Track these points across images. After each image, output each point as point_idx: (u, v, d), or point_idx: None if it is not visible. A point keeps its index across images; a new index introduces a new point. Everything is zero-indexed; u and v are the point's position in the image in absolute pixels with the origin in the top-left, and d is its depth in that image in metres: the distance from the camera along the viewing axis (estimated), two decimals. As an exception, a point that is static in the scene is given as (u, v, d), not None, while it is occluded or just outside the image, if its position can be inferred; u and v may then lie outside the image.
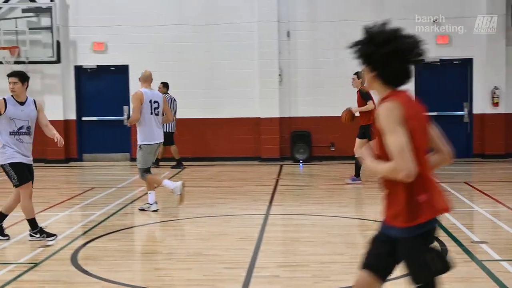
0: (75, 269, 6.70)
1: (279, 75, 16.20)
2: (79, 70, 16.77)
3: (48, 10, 16.07)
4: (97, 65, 16.69)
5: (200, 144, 16.50)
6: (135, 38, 16.40)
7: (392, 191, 3.54)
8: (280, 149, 16.25)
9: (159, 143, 9.81)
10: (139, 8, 16.43)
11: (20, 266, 6.83)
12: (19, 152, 7.80)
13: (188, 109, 16.12)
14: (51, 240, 7.90)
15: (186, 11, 16.39)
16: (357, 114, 12.14)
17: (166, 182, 9.71)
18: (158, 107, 9.71)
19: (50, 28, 16.05)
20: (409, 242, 3.52)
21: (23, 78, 8.00)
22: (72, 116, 16.75)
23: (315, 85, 16.35)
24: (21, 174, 7.79)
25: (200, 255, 7.25)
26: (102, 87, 16.76)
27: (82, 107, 16.88)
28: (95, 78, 16.83)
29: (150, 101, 9.60)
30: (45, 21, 16.23)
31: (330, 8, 16.27)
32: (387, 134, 3.35)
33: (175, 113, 14.97)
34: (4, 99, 7.84)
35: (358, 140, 12.12)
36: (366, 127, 11.84)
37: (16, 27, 16.13)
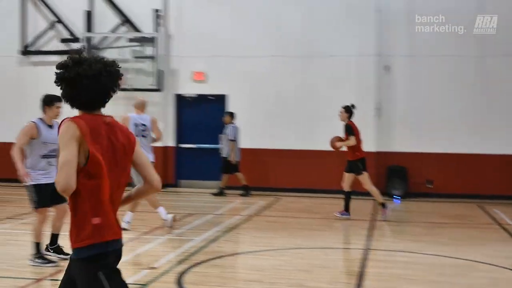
0: (181, 293, 6.84)
1: (377, 109, 16.10)
2: (179, 98, 17.24)
3: (152, 40, 16.68)
4: (197, 94, 17.12)
5: (294, 175, 16.55)
6: (234, 68, 16.74)
7: (71, 211, 3.57)
8: (375, 184, 16.05)
9: None
10: (239, 40, 16.77)
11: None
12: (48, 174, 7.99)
13: (282, 140, 16.28)
14: (50, 266, 7.91)
15: (284, 43, 16.60)
16: (344, 148, 12.31)
17: (161, 210, 10.43)
18: (145, 130, 10.53)
19: (153, 57, 16.63)
20: (77, 263, 3.54)
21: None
22: (171, 143, 17.20)
23: (413, 120, 16.15)
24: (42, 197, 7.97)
25: (302, 286, 7.24)
26: (200, 116, 17.15)
27: (180, 135, 17.32)
28: (194, 106, 17.25)
29: (136, 124, 10.43)
30: (149, 50, 16.84)
31: (428, 43, 16.10)
32: (60, 150, 3.45)
33: (232, 141, 15.55)
34: (36, 122, 8.13)
35: (346, 175, 12.20)
36: (353, 162, 12.04)
37: (121, 56, 16.79)
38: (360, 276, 7.70)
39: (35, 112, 17.28)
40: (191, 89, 17.18)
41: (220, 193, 15.81)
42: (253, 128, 16.58)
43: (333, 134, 16.23)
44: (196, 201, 15.18)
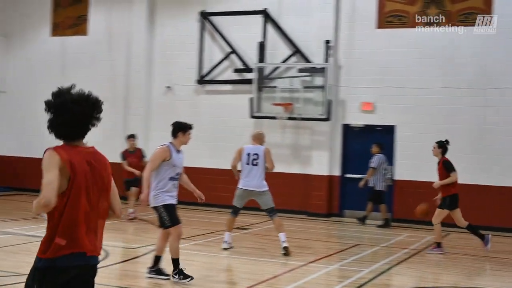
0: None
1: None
2: (346, 128, 17.28)
3: (321, 70, 16.89)
4: (365, 125, 17.07)
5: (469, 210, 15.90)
6: (403, 100, 16.49)
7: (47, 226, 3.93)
8: None
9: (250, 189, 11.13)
10: (409, 70, 16.54)
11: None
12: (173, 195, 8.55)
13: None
14: (188, 281, 8.33)
15: (459, 74, 16.12)
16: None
17: (281, 235, 10.87)
18: (256, 159, 11.11)
19: (322, 87, 16.83)
20: (36, 271, 3.87)
21: None
22: (337, 172, 17.23)
23: None
24: (173, 215, 8.44)
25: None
26: (367, 146, 17.04)
27: (346, 164, 17.31)
28: (361, 136, 17.20)
29: (249, 154, 11.18)
30: (318, 80, 17.05)
31: None
32: (44, 173, 3.81)
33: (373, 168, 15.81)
34: (169, 146, 8.59)
35: (438, 210, 11.88)
36: (447, 198, 11.69)
37: (292, 85, 17.19)
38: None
39: (207, 137, 18.21)
40: (358, 119, 17.16)
41: (386, 224, 15.65)
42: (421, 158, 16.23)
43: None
44: (362, 232, 15.04)
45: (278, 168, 17.43)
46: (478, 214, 15.17)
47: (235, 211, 11.52)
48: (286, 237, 10.93)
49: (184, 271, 8.54)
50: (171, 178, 8.61)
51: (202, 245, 11.80)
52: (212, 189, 18.21)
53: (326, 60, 17.01)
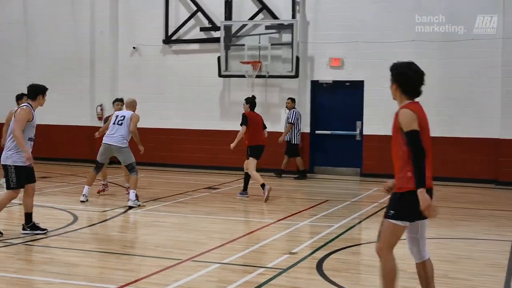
0: (322, 279, 6.81)
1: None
2: (315, 84, 17.20)
3: (289, 27, 16.71)
4: (333, 80, 17.00)
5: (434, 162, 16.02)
6: (372, 55, 16.43)
7: None
8: (521, 173, 15.28)
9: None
10: (376, 25, 16.44)
11: (269, 271, 7.10)
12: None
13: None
14: (43, 233, 8.68)
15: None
16: None
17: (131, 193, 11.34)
18: (123, 119, 11.67)
19: (290, 44, 16.66)
20: None
21: None
22: (306, 129, 17.21)
23: None
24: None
25: (447, 277, 6.99)
26: (336, 102, 17.03)
27: (316, 121, 17.28)
28: (330, 92, 17.15)
29: (117, 116, 11.75)
30: (286, 37, 16.91)
31: None
32: None
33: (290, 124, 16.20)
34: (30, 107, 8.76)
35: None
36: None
37: (259, 43, 17.01)
38: (509, 269, 7.34)
39: (175, 98, 18.05)
40: (327, 76, 17.08)
41: (302, 176, 16.34)
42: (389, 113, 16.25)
43: (475, 122, 15.67)
44: (331, 187, 15.12)
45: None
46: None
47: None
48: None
49: (38, 225, 8.84)
50: (30, 139, 8.69)
51: (172, 206, 11.74)
52: (182, 150, 18.15)
53: (294, 17, 16.85)
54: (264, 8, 17.34)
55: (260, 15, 17.46)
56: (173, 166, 17.95)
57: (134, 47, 18.71)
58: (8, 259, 7.55)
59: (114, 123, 11.69)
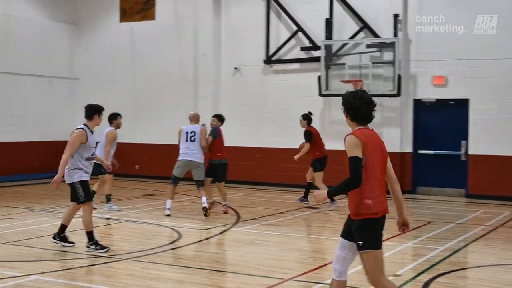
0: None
1: None
2: (418, 103, 16.87)
3: (391, 45, 16.51)
4: (436, 99, 16.63)
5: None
6: (476, 72, 15.96)
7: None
8: None
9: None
10: (481, 42, 15.97)
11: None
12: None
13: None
14: (104, 252, 8.83)
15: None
16: None
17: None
18: (194, 135, 12.41)
19: (392, 63, 16.45)
20: None
21: None
22: (409, 148, 16.89)
23: None
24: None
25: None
26: (440, 121, 16.63)
27: (419, 140, 16.93)
28: (433, 111, 16.78)
29: (187, 132, 12.46)
30: (387, 55, 16.71)
31: None
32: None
33: None
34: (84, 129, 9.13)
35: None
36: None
37: (360, 61, 16.89)
38: None
39: (275, 117, 18.18)
40: (430, 94, 16.73)
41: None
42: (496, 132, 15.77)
43: None
44: (435, 208, 14.71)
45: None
46: None
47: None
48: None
49: (100, 242, 9.08)
50: (88, 159, 9.04)
51: (273, 225, 11.80)
52: (281, 169, 18.23)
53: (395, 35, 16.63)
54: (365, 26, 17.23)
55: (361, 34, 17.35)
56: (272, 185, 18.06)
57: (235, 68, 19.06)
58: (117, 274, 7.82)
59: (187, 140, 12.46)
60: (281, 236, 10.64)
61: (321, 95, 17.38)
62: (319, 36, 17.72)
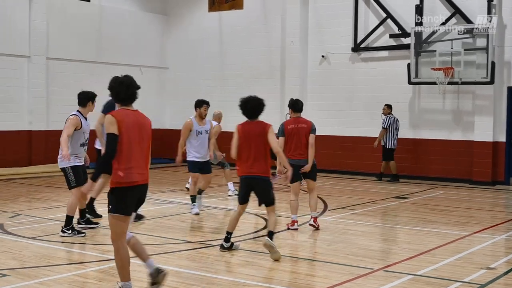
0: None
1: None
2: (512, 91, 16.32)
3: (484, 31, 15.97)
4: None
5: None
6: None
7: None
8: None
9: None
10: None
11: (465, 285, 6.84)
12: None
13: None
14: (82, 236, 9.02)
15: None
16: None
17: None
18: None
19: (485, 49, 15.92)
20: None
21: None
22: (502, 138, 16.34)
23: None
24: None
25: None
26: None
27: (513, 129, 16.37)
28: (529, 100, 16.16)
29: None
30: (480, 41, 16.18)
31: None
32: None
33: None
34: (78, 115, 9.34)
35: None
36: None
37: (452, 48, 16.42)
38: None
39: (362, 105, 17.98)
40: (526, 81, 16.12)
41: (394, 179, 16.89)
42: None
43: None
44: (531, 200, 14.21)
45: (439, 135, 16.92)
46: None
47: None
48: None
49: (76, 228, 9.24)
50: (82, 144, 9.32)
51: (361, 214, 11.72)
52: (368, 158, 18.03)
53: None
54: (457, 12, 16.75)
55: (453, 20, 16.88)
56: (359, 174, 17.91)
57: (323, 56, 18.96)
58: (208, 260, 7.98)
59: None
60: (369, 226, 10.56)
61: (410, 83, 17.05)
62: (408, 23, 17.38)
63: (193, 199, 11.25)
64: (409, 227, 10.48)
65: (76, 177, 9.19)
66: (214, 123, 12.96)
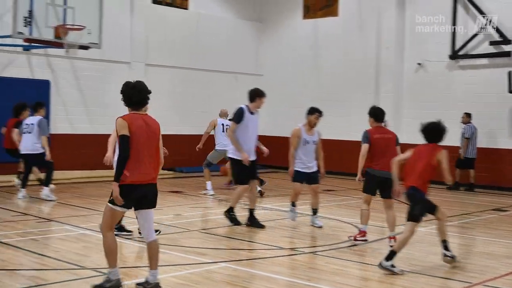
0: None
1: None
2: None
3: None
4: None
5: None
6: None
7: None
8: None
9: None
10: None
11: None
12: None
13: None
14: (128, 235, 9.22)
15: None
16: None
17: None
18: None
19: None
20: None
21: None
22: None
23: None
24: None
25: None
26: None
27: None
28: None
29: (222, 124, 14.74)
30: None
31: None
32: None
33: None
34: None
35: None
36: None
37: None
38: None
39: (458, 114, 17.47)
40: None
41: (470, 189, 16.73)
42: None
43: None
44: None
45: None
46: None
47: None
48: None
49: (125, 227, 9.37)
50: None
51: (458, 226, 11.40)
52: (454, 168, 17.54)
53: None
54: None
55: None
56: (460, 185, 17.44)
57: (419, 63, 18.62)
58: (301, 267, 7.99)
59: (223, 131, 14.47)
60: (467, 238, 10.27)
61: (510, 91, 16.47)
62: (510, 30, 16.80)
63: (293, 204, 10.82)
64: (508, 241, 10.11)
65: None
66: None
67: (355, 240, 9.46)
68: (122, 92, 6.31)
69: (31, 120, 13.10)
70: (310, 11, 21.07)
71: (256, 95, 10.73)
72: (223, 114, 15.51)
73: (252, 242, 9.40)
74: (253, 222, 10.48)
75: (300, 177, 10.56)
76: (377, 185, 9.18)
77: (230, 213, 10.62)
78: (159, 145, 6.39)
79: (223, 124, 14.89)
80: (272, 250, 8.93)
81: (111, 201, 6.18)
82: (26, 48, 16.04)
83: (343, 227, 10.86)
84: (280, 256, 8.61)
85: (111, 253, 6.25)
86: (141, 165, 6.16)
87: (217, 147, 14.97)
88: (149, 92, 6.35)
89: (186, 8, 20.36)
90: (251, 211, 10.56)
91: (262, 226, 10.41)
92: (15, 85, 15.96)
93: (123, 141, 6.10)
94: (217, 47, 21.01)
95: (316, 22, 20.90)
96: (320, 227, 10.59)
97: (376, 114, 9.46)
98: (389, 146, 9.23)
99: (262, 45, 22.36)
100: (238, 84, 21.58)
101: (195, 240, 9.39)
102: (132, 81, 6.37)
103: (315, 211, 10.76)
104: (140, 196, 6.23)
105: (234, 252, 8.70)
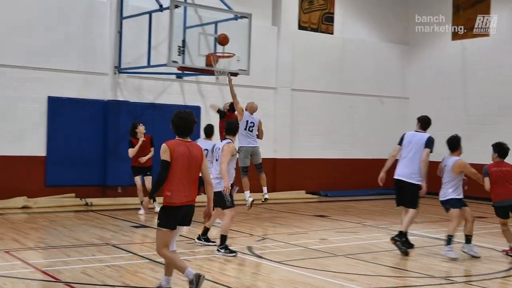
0: None
1: None
2: None
3: None
4: None
5: None
6: None
7: None
8: None
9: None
10: None
11: None
12: None
13: None
14: (233, 255, 9.46)
15: None
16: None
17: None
18: (253, 126, 12.88)
19: None
20: None
21: None
22: None
23: None
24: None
25: None
26: None
27: None
28: None
29: (247, 121, 12.91)
30: None
31: None
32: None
33: None
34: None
35: None
36: None
37: None
38: None
39: None
40: None
41: None
42: None
43: None
44: None
45: None
46: None
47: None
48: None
49: (230, 247, 9.63)
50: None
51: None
52: None
53: None
54: None
55: None
56: None
57: None
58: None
59: (245, 129, 13.04)
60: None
61: None
62: None
63: (450, 239, 9.99)
64: None
65: (231, 197, 9.80)
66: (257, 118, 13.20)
67: (507, 254, 10.06)
68: (172, 121, 6.87)
69: (204, 145, 11.91)
70: (458, 33, 20.44)
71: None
72: (253, 110, 13.39)
73: (403, 270, 9.19)
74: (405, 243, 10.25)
75: (461, 204, 10.20)
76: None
77: (402, 238, 10.22)
78: (201, 169, 6.91)
79: (247, 121, 13.05)
80: (421, 278, 8.68)
81: (159, 224, 6.76)
82: (179, 76, 16.87)
83: (496, 256, 10.35)
84: (429, 284, 8.35)
85: (176, 263, 6.82)
86: (183, 188, 6.72)
87: (240, 145, 12.99)
88: (195, 122, 6.90)
89: (331, 33, 20.50)
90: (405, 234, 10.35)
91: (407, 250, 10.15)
92: (169, 111, 16.73)
93: (163, 165, 6.66)
94: (363, 70, 20.95)
95: (465, 43, 20.24)
96: (478, 257, 10.11)
97: (499, 150, 10.48)
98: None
99: (408, 68, 22.00)
100: (384, 108, 21.39)
101: (341, 266, 9.33)
102: (181, 111, 6.89)
103: (468, 239, 10.27)
104: (183, 216, 6.79)
105: (380, 278, 8.54)
